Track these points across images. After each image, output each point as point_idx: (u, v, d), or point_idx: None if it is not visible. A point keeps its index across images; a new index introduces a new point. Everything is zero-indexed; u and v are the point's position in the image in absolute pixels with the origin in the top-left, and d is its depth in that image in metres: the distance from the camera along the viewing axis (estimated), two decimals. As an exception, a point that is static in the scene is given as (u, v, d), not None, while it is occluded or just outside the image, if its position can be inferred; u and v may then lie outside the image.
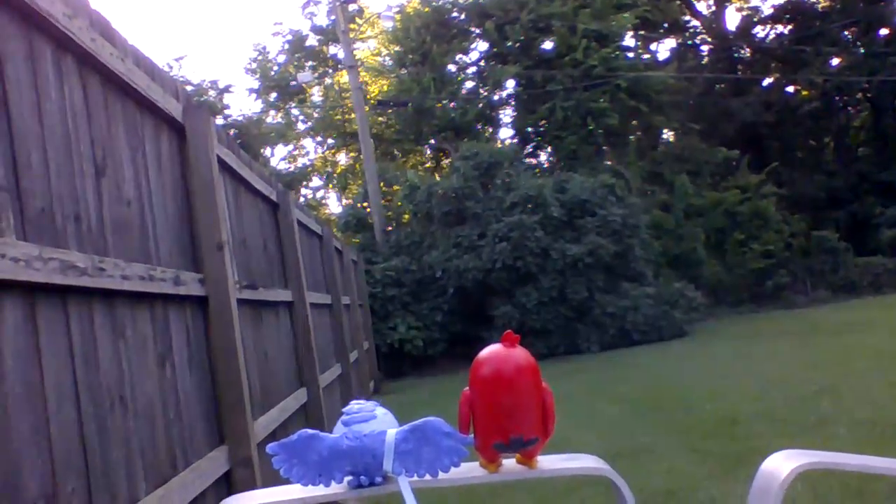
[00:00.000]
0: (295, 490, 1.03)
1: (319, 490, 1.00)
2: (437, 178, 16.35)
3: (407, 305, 12.85)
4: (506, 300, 12.41)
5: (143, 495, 1.85)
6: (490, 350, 1.03)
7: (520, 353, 1.00)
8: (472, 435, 1.01)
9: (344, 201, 21.97)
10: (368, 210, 14.94)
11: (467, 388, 1.03)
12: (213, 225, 2.67)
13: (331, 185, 23.72)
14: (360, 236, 14.60)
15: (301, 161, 23.99)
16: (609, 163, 17.64)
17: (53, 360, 1.53)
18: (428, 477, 0.98)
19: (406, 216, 14.87)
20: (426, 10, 19.59)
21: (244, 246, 3.49)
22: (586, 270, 12.50)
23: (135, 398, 1.90)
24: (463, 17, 19.65)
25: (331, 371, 5.89)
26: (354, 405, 1.03)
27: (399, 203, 14.96)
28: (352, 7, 18.12)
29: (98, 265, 1.73)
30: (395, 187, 15.52)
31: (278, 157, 23.43)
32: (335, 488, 1.00)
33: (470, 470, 1.03)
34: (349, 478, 0.99)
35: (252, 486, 2.53)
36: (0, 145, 1.46)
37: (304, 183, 23.07)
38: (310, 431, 1.01)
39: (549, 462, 1.05)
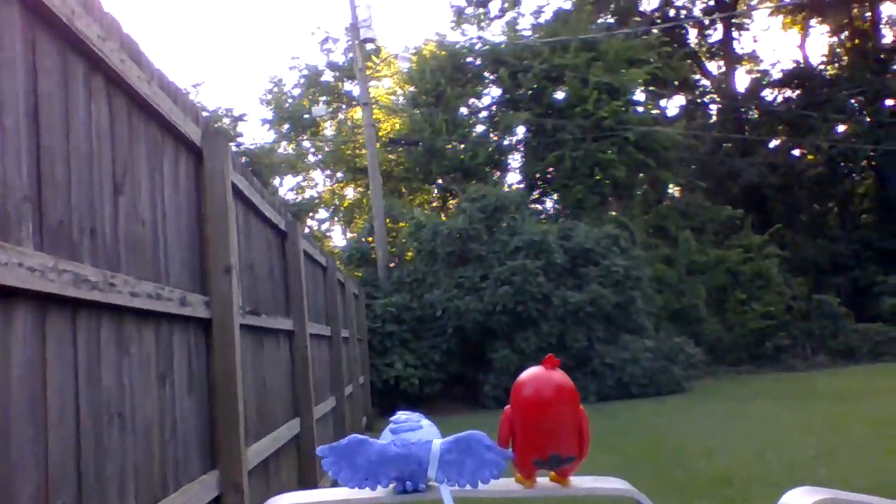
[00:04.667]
0: (340, 492, 1.06)
1: (365, 493, 1.04)
2: (444, 217, 16.45)
3: (406, 343, 12.79)
4: (505, 344, 12.35)
5: (133, 515, 1.84)
6: (532, 372, 1.09)
7: (559, 376, 1.06)
8: (511, 450, 1.07)
9: (349, 235, 22.06)
10: (373, 245, 14.99)
11: (508, 406, 1.09)
12: (222, 249, 2.69)
13: (336, 219, 23.85)
14: (362, 270, 14.62)
15: (309, 193, 24.17)
16: (614, 213, 17.74)
17: (58, 372, 1.54)
18: (468, 487, 1.03)
19: (410, 254, 14.91)
20: (442, 53, 19.95)
21: (251, 272, 3.51)
22: (587, 319, 12.48)
23: (133, 415, 1.90)
24: (478, 62, 20.01)
25: (325, 403, 5.85)
26: (402, 415, 1.08)
27: (404, 240, 15.02)
28: (369, 46, 18.46)
29: (109, 280, 1.75)
30: (401, 224, 15.60)
31: (287, 187, 23.63)
32: (380, 492, 1.04)
33: (507, 484, 1.08)
34: (394, 483, 1.03)
35: (241, 514, 2.50)
36: (27, 157, 1.49)
37: (311, 214, 23.19)
38: (359, 437, 1.05)
39: (581, 482, 1.10)
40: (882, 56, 25.29)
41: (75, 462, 1.58)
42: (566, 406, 1.04)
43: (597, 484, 1.11)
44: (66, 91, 1.68)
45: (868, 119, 23.56)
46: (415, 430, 1.04)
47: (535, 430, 1.04)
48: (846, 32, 26.33)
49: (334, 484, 1.08)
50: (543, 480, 1.09)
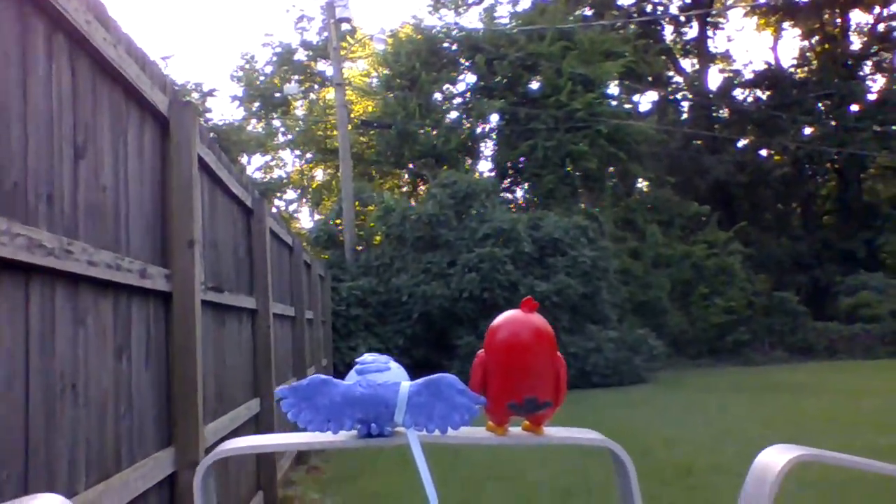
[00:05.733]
0: (298, 437, 1.00)
1: (325, 437, 0.97)
2: (413, 202, 16.39)
3: (370, 327, 12.76)
4: (470, 330, 12.39)
5: (83, 489, 1.79)
6: (509, 314, 1.03)
7: (537, 319, 1.01)
8: (483, 396, 1.00)
9: (316, 216, 21.87)
10: (341, 227, 14.88)
11: (481, 351, 1.03)
12: (186, 222, 2.63)
13: (305, 200, 23.62)
14: (329, 253, 14.51)
15: (277, 172, 23.89)
16: (583, 205, 17.87)
17: (8, 339, 1.48)
18: (437, 433, 0.96)
19: (378, 238, 14.84)
20: (419, 37, 19.80)
21: (215, 248, 3.44)
22: (553, 309, 12.57)
23: (87, 388, 1.85)
24: (454, 47, 19.91)
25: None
26: (368, 356, 1.01)
27: (372, 224, 14.94)
28: (345, 26, 18.23)
29: (66, 247, 1.69)
30: (370, 207, 15.51)
31: (255, 165, 23.31)
32: (342, 436, 0.97)
33: (478, 432, 1.02)
34: (358, 427, 0.97)
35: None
36: (-20, 114, 1.43)
37: (279, 195, 22.93)
38: (322, 376, 0.98)
39: (555, 432, 1.05)
40: (850, 62, 25.82)
41: (24, 433, 1.53)
42: (544, 350, 0.99)
43: (571, 434, 1.07)
44: (23, 48, 1.61)
45: (834, 123, 24.06)
46: (382, 371, 0.97)
47: (510, 373, 0.98)
48: (817, 37, 26.79)
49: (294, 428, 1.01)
50: (516, 430, 1.04)
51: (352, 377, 0.98)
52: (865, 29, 26.85)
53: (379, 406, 0.95)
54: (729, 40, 43.07)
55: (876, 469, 0.99)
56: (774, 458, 0.94)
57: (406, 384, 0.97)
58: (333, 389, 0.96)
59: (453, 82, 20.28)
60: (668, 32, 27.71)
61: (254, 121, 23.31)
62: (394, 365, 1.00)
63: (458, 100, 20.38)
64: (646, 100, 25.49)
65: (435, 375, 0.98)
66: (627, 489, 1.02)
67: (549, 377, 1.00)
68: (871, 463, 0.98)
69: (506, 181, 19.80)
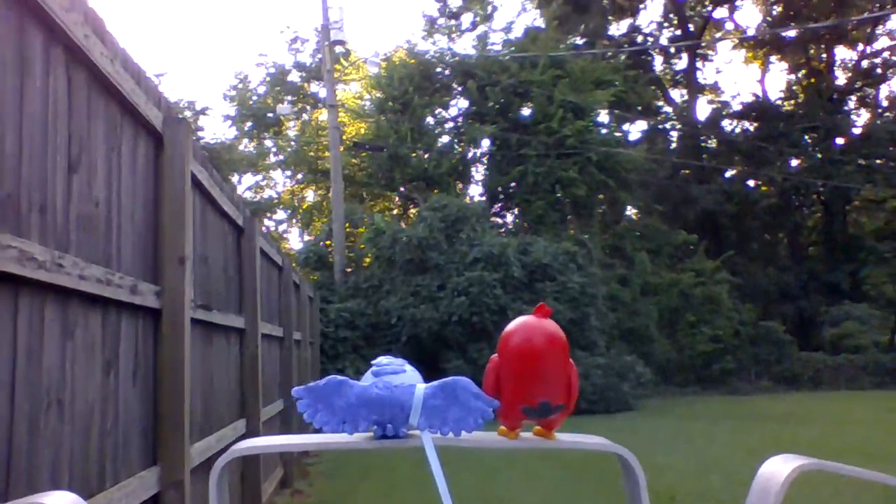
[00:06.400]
0: (313, 438, 1.00)
1: (340, 437, 0.97)
2: (404, 225, 16.40)
3: (358, 349, 12.68)
4: (459, 354, 12.34)
5: (66, 508, 1.75)
6: (522, 320, 1.04)
7: (550, 325, 1.01)
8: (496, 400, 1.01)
9: (306, 237, 21.82)
10: (331, 249, 14.85)
11: (495, 355, 1.04)
12: (177, 238, 2.62)
13: (295, 220, 23.57)
14: (318, 274, 14.46)
15: (268, 192, 23.85)
16: (573, 231, 17.96)
17: (-5, 352, 1.46)
18: (451, 436, 0.96)
19: (367, 259, 14.81)
20: (412, 61, 19.97)
21: (205, 265, 3.42)
22: (540, 334, 12.54)
23: (73, 403, 1.82)
24: (447, 73, 20.08)
25: (273, 405, 5.73)
26: (384, 359, 1.01)
27: (362, 245, 14.92)
28: (339, 49, 18.36)
29: (57, 261, 1.68)
30: (361, 230, 15.50)
31: (245, 185, 23.28)
32: (357, 437, 0.97)
33: (491, 436, 1.03)
34: (374, 427, 0.96)
35: (180, 512, 2.42)
36: (-24, 124, 1.42)
37: (269, 214, 22.87)
38: (339, 377, 0.97)
39: (565, 437, 1.06)
40: (835, 96, 26.28)
41: (6, 446, 1.50)
42: (557, 355, 0.99)
43: (582, 439, 1.07)
44: (20, 59, 1.61)
45: (820, 155, 24.41)
46: (398, 373, 0.97)
47: (524, 377, 0.99)
48: (803, 71, 27.29)
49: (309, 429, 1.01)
50: (527, 435, 1.05)
51: (367, 379, 0.98)
52: (850, 65, 27.41)
53: (394, 408, 0.95)
54: (717, 72, 43.87)
55: (879, 480, 0.99)
56: (779, 468, 0.94)
57: (421, 387, 0.97)
58: (350, 390, 0.96)
59: (445, 107, 20.43)
60: (658, 63, 28.14)
61: (246, 140, 23.32)
62: (409, 368, 1.00)
63: (450, 124, 20.52)
64: (635, 129, 25.80)
65: (450, 378, 0.98)
66: (636, 495, 1.02)
67: (562, 382, 1.00)
68: (873, 474, 0.99)
69: (496, 206, 19.88)
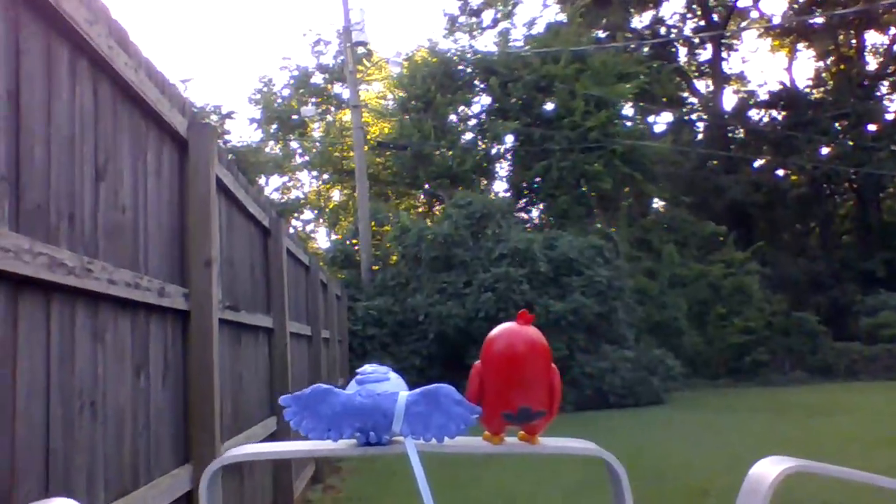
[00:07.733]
0: (299, 445, 1.03)
1: (325, 444, 1.00)
2: (429, 223, 16.44)
3: (386, 346, 12.75)
4: (485, 351, 12.33)
5: (101, 506, 1.81)
6: (504, 327, 1.06)
7: (532, 332, 1.03)
8: (479, 406, 1.03)
9: (333, 237, 21.99)
10: (357, 248, 14.95)
11: (478, 362, 1.06)
12: (204, 241, 2.67)
13: (322, 220, 23.77)
14: (345, 273, 14.56)
15: (295, 193, 24.08)
16: (599, 225, 17.84)
17: (29, 357, 1.51)
18: (434, 442, 0.99)
19: (394, 258, 14.88)
20: (434, 60, 19.99)
21: (231, 267, 3.48)
22: (568, 328, 12.50)
23: (106, 405, 1.87)
24: (469, 70, 20.06)
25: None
26: (368, 367, 1.04)
27: (388, 244, 14.99)
28: (361, 50, 18.45)
29: (86, 266, 1.73)
30: (386, 228, 15.57)
31: (272, 186, 23.53)
32: (342, 444, 1.00)
33: (474, 441, 1.05)
34: (358, 434, 0.99)
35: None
36: (5, 137, 1.47)
37: (296, 215, 23.10)
38: (324, 386, 1.01)
39: (549, 442, 1.07)
40: (866, 82, 25.69)
41: (44, 449, 1.55)
42: (538, 361, 1.01)
43: (566, 443, 1.08)
44: (48, 73, 1.66)
45: (851, 143, 23.90)
46: (381, 381, 0.99)
47: (505, 384, 1.01)
48: (832, 58, 26.72)
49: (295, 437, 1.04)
50: (512, 439, 1.06)
51: (352, 387, 1.01)
52: (881, 49, 26.77)
53: (377, 415, 0.97)
54: (743, 61, 43.18)
55: (873, 482, 0.99)
56: (767, 470, 0.95)
57: (404, 394, 0.99)
58: (334, 399, 0.99)
59: (468, 104, 20.43)
60: (683, 54, 27.76)
61: (272, 142, 23.57)
62: (393, 375, 1.02)
63: (473, 121, 20.51)
64: (661, 121, 25.51)
65: (432, 385, 1.01)
66: (620, 498, 1.03)
67: (543, 388, 1.02)
68: (862, 475, 0.99)
69: (521, 201, 19.82)
